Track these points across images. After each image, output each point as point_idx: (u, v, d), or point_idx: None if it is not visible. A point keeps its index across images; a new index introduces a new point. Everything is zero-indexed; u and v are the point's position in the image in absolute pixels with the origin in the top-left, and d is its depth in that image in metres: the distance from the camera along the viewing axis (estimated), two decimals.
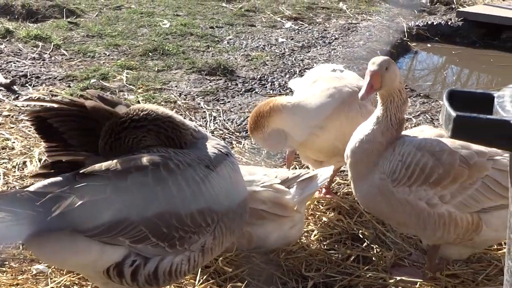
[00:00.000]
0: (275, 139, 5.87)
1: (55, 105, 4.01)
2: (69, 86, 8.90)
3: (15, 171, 6.37)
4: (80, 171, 3.70)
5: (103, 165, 3.70)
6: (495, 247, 5.57)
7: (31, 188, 3.72)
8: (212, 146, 4.11)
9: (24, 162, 6.53)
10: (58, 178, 3.77)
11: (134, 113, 3.89)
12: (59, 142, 3.96)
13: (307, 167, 6.60)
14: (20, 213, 3.51)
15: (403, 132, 4.98)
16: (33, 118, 3.96)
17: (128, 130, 3.86)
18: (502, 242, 5.45)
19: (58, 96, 8.43)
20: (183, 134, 4.01)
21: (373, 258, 5.39)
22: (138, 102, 8.39)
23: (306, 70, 9.64)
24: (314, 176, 5.37)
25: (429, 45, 13.62)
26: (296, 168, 6.79)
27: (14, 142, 6.94)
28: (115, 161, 3.73)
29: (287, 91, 8.99)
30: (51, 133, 3.96)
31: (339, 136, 5.47)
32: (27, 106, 8.06)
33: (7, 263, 5.00)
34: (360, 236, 5.71)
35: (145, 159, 3.74)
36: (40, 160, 6.42)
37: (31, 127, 6.90)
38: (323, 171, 5.47)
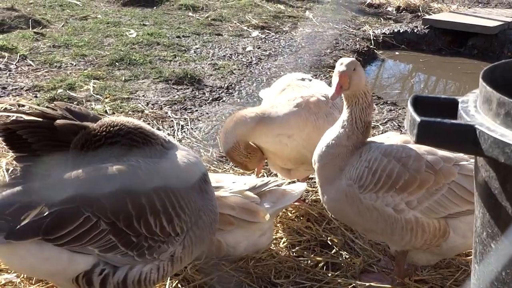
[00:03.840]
0: (253, 152, 5.90)
1: (25, 117, 4.00)
2: (36, 97, 8.85)
3: None
4: (49, 180, 3.69)
5: (73, 174, 3.69)
6: (464, 252, 5.62)
7: (0, 196, 3.70)
8: (183, 156, 4.11)
9: None
10: (27, 187, 3.75)
11: (106, 129, 3.88)
12: (28, 152, 3.95)
13: (276, 175, 6.62)
14: None
15: (370, 139, 5.00)
16: (2, 130, 3.94)
17: (103, 147, 3.86)
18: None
19: (26, 106, 8.39)
20: (153, 144, 4.01)
21: (342, 265, 5.40)
22: (106, 112, 8.36)
23: (274, 79, 9.68)
24: (287, 190, 5.40)
25: (396, 52, 13.73)
26: (264, 176, 6.80)
27: None
28: (85, 170, 3.72)
29: (255, 99, 9.00)
30: (20, 144, 3.95)
31: (306, 145, 5.48)
32: None
33: None
34: (329, 242, 5.73)
35: (114, 168, 3.74)
36: (7, 170, 6.36)
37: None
38: (298, 185, 5.52)
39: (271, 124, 5.70)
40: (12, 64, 10.35)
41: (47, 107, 4.07)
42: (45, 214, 3.56)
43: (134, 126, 3.97)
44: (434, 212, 4.69)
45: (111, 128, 3.89)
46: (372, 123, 6.11)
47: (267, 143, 5.83)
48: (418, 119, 2.42)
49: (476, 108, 2.50)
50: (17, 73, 9.98)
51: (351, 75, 4.79)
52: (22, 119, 4.01)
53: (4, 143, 4.16)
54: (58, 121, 3.91)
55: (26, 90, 9.13)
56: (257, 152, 5.98)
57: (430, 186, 4.64)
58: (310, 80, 6.21)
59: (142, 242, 3.78)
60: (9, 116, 6.52)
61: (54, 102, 4.21)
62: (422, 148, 4.68)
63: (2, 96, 8.84)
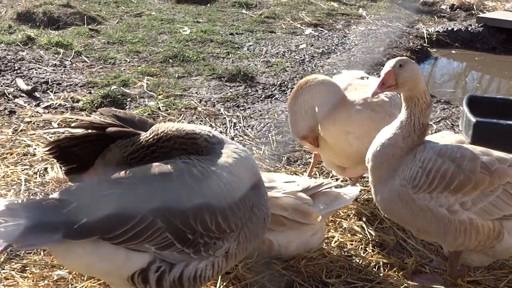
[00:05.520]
0: (311, 116, 5.81)
1: (73, 131, 4.08)
2: (90, 93, 8.95)
3: (36, 177, 6.40)
4: (106, 178, 3.73)
5: (128, 172, 3.73)
6: None
7: (56, 196, 3.74)
8: (231, 150, 4.12)
9: (45, 169, 6.57)
10: (83, 185, 3.80)
11: (155, 140, 3.96)
12: (78, 163, 4.04)
13: (328, 174, 6.60)
14: (46, 221, 3.54)
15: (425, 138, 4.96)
16: (52, 147, 4.03)
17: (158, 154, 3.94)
18: None
19: (80, 102, 8.49)
20: (197, 142, 4.04)
21: (394, 265, 5.37)
22: (159, 108, 8.42)
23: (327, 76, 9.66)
24: (341, 193, 5.39)
25: (450, 51, 13.58)
26: (317, 175, 6.79)
27: (35, 149, 6.99)
28: (140, 168, 3.76)
29: None
30: (71, 159, 4.04)
31: (367, 146, 5.44)
32: (48, 113, 8.13)
33: (28, 268, 5.03)
34: (381, 242, 5.70)
35: (169, 166, 3.77)
36: (61, 166, 6.44)
37: (52, 134, 6.98)
38: (352, 189, 5.51)
39: (344, 118, 5.67)
40: (67, 60, 10.47)
41: (92, 114, 4.16)
42: (102, 213, 3.59)
43: (176, 130, 4.02)
44: (489, 214, 4.63)
45: (162, 139, 3.97)
46: None
47: (330, 134, 5.75)
48: (473, 119, 2.41)
49: None
50: (72, 69, 10.10)
51: (397, 72, 4.76)
52: (71, 135, 4.08)
53: (56, 161, 4.24)
54: (110, 129, 3.98)
55: (81, 86, 9.24)
56: (314, 122, 5.89)
57: (485, 187, 4.59)
58: (368, 78, 6.19)
59: (198, 239, 3.79)
60: (57, 132, 6.68)
61: (99, 110, 4.28)
62: (477, 149, 4.64)
63: (57, 92, 8.95)
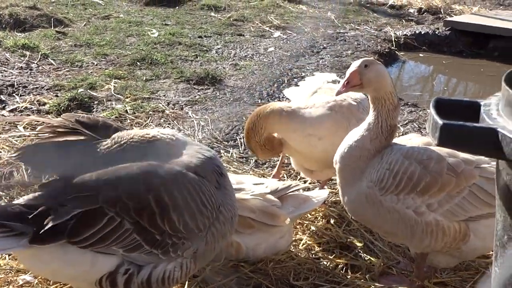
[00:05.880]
0: (269, 145, 5.90)
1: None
2: (57, 96, 8.89)
3: (1, 181, 6.34)
4: (71, 182, 3.71)
5: (93, 175, 3.71)
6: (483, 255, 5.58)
7: (22, 201, 3.72)
8: (195, 151, 4.12)
9: (11, 172, 6.50)
10: (48, 190, 3.78)
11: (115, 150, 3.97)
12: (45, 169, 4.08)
13: (296, 176, 6.61)
14: (12, 226, 3.52)
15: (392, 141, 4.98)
16: (19, 153, 4.03)
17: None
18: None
19: (46, 106, 8.42)
20: (159, 144, 4.05)
21: (362, 267, 5.38)
22: (126, 111, 8.37)
23: (295, 79, 9.71)
24: (309, 196, 5.40)
25: (420, 54, 13.65)
26: (285, 177, 6.80)
27: (0, 152, 6.92)
28: (104, 170, 3.74)
29: (276, 100, 8.99)
30: (37, 164, 4.07)
31: (335, 148, 5.46)
32: (14, 116, 8.06)
33: None
34: (349, 244, 5.71)
35: (135, 168, 3.76)
36: (26, 170, 6.39)
37: (18, 137, 6.92)
38: (320, 192, 5.53)
39: (303, 123, 5.72)
40: (34, 63, 10.40)
41: (65, 108, 4.17)
42: (69, 217, 3.57)
43: (142, 139, 4.03)
44: (455, 215, 4.66)
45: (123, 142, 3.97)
46: None
47: (295, 141, 5.84)
48: (440, 122, 2.41)
49: (498, 111, 2.48)
50: (38, 72, 10.02)
51: (362, 71, 4.79)
52: (37, 140, 4.07)
53: (23, 165, 4.25)
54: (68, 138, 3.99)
55: (47, 89, 9.17)
56: (274, 148, 5.98)
57: (451, 189, 4.62)
58: (339, 82, 6.23)
59: (166, 239, 3.79)
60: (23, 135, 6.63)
61: (62, 115, 4.25)
62: (443, 151, 4.66)
63: (23, 95, 8.88)
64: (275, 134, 5.93)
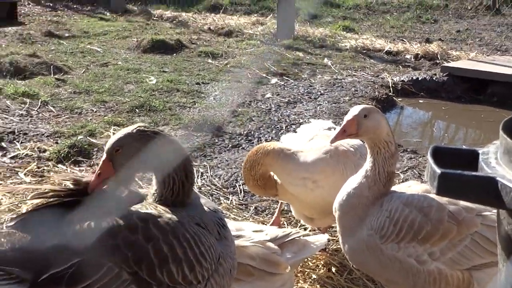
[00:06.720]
0: (262, 182, 5.92)
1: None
2: (57, 143, 8.91)
3: (2, 228, 6.31)
4: (72, 227, 3.70)
5: (93, 223, 3.70)
6: None
7: (22, 246, 3.70)
8: (199, 202, 4.13)
9: (11, 219, 6.47)
10: (49, 235, 3.76)
11: None
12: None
13: (296, 224, 6.60)
14: (12, 272, 3.52)
15: (391, 188, 4.98)
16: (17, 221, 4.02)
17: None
18: None
19: (46, 152, 8.44)
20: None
21: None
22: None
23: (293, 126, 9.73)
24: (308, 241, 5.38)
25: (420, 100, 13.67)
26: (285, 225, 6.78)
27: (1, 199, 6.92)
28: (104, 219, 3.73)
29: None
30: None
31: (332, 193, 5.46)
32: (15, 163, 8.07)
33: None
34: None
35: (134, 217, 3.75)
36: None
37: (19, 185, 6.92)
38: (319, 237, 5.51)
39: (297, 165, 5.74)
40: (34, 110, 10.44)
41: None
42: (68, 265, 3.56)
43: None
44: (458, 264, 4.63)
45: None
46: None
47: (290, 184, 5.85)
48: (438, 171, 2.41)
49: (497, 159, 2.49)
50: (38, 119, 10.06)
51: (360, 121, 4.80)
52: (33, 207, 4.06)
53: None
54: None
55: (47, 136, 9.19)
56: (265, 187, 6.00)
57: (453, 237, 4.59)
58: (335, 129, 6.25)
59: None
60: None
61: (58, 175, 4.24)
62: (443, 198, 4.65)
63: (23, 142, 8.90)
64: (272, 173, 5.95)
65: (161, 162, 3.96)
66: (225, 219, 4.36)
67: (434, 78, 14.28)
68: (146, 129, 3.96)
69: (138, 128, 3.95)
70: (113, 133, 9.03)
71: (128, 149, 3.92)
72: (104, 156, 3.95)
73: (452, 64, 15.06)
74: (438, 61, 15.90)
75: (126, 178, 4.04)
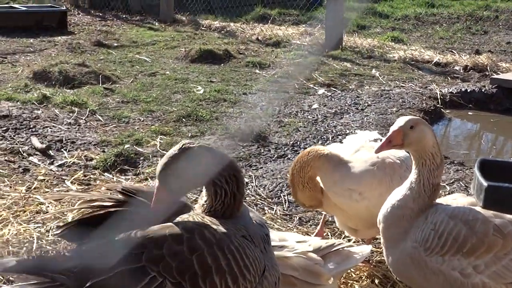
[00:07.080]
0: (312, 184, 5.90)
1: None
2: (103, 151, 8.99)
3: (48, 235, 6.40)
4: (114, 238, 3.72)
5: (139, 233, 3.71)
6: None
7: (68, 254, 3.73)
8: (248, 216, 4.13)
9: (58, 227, 6.56)
10: (91, 245, 3.79)
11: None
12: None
13: (340, 235, 6.57)
14: (57, 279, 3.54)
15: (436, 200, 4.93)
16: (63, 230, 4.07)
17: None
18: None
19: (93, 161, 8.52)
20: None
21: None
22: None
23: (339, 137, 9.70)
24: (351, 252, 5.35)
25: (469, 113, 13.52)
26: (329, 235, 6.76)
27: (48, 206, 7.00)
28: (150, 228, 3.74)
29: None
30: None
31: (377, 205, 5.43)
32: (62, 171, 8.17)
33: None
34: None
35: (180, 227, 3.75)
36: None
37: (65, 193, 7.01)
38: (363, 248, 5.47)
39: (344, 176, 5.72)
40: (82, 119, 10.55)
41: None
42: (112, 274, 3.57)
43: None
44: (502, 277, 4.58)
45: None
46: None
47: (335, 194, 5.83)
48: (485, 183, 2.39)
49: None
50: (86, 127, 10.16)
51: (406, 132, 4.77)
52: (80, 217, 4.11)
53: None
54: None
55: (94, 145, 9.29)
56: (315, 191, 5.97)
57: (498, 250, 4.54)
58: (381, 140, 6.22)
59: None
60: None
61: (106, 185, 4.28)
62: (489, 211, 4.60)
63: (71, 151, 9.00)
64: (318, 179, 5.94)
65: (211, 176, 3.97)
66: (269, 229, 4.35)
67: (483, 90, 14.10)
68: (190, 146, 3.98)
69: (183, 146, 3.97)
70: (160, 143, 9.11)
71: (176, 170, 3.93)
72: (157, 183, 3.97)
73: (501, 76, 14.86)
74: (487, 73, 15.71)
75: (180, 196, 4.09)
